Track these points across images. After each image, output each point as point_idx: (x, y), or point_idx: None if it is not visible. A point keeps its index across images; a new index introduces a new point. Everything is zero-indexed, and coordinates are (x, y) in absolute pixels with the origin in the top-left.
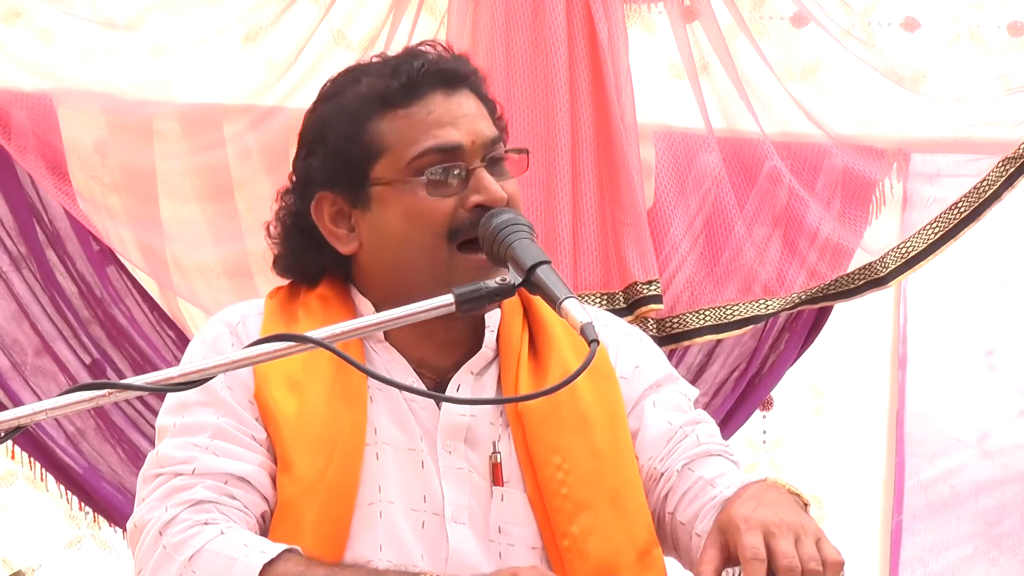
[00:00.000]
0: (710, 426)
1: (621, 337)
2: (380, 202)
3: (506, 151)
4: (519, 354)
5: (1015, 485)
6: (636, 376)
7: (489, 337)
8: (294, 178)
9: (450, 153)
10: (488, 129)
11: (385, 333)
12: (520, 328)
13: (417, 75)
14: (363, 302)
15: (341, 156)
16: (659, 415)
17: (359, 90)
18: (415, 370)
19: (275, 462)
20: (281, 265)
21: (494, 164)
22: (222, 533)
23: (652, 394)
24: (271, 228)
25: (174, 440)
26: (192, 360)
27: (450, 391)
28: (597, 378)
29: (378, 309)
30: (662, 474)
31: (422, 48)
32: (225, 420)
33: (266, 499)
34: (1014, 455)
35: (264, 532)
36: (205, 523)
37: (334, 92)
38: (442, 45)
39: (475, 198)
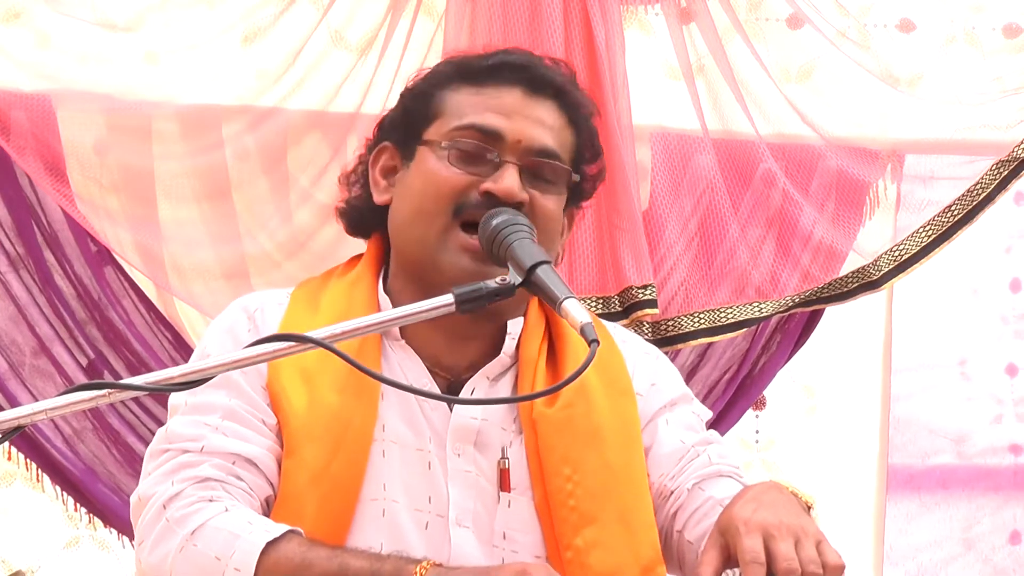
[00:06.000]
0: (722, 447)
1: (639, 355)
2: (416, 161)
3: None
4: (536, 364)
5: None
6: (652, 394)
7: (509, 344)
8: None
9: (488, 136)
10: (545, 140)
11: (401, 330)
12: (541, 339)
13: (504, 63)
14: (384, 299)
15: (407, 112)
16: (672, 433)
17: (452, 61)
18: (429, 370)
19: (283, 448)
20: (343, 214)
21: (535, 173)
22: (226, 510)
23: (666, 412)
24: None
25: (184, 418)
26: (208, 343)
27: (464, 395)
28: (616, 394)
29: (397, 283)
30: (672, 492)
31: (535, 53)
32: (237, 402)
33: (271, 484)
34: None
35: (267, 516)
36: (210, 499)
37: (440, 62)
38: (564, 63)
39: (488, 185)
